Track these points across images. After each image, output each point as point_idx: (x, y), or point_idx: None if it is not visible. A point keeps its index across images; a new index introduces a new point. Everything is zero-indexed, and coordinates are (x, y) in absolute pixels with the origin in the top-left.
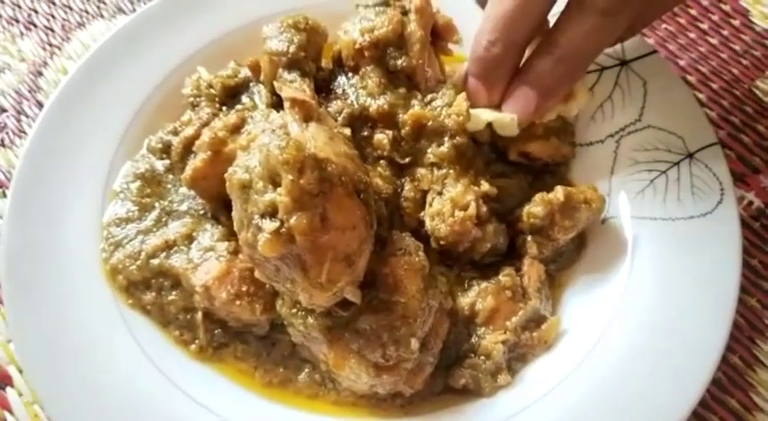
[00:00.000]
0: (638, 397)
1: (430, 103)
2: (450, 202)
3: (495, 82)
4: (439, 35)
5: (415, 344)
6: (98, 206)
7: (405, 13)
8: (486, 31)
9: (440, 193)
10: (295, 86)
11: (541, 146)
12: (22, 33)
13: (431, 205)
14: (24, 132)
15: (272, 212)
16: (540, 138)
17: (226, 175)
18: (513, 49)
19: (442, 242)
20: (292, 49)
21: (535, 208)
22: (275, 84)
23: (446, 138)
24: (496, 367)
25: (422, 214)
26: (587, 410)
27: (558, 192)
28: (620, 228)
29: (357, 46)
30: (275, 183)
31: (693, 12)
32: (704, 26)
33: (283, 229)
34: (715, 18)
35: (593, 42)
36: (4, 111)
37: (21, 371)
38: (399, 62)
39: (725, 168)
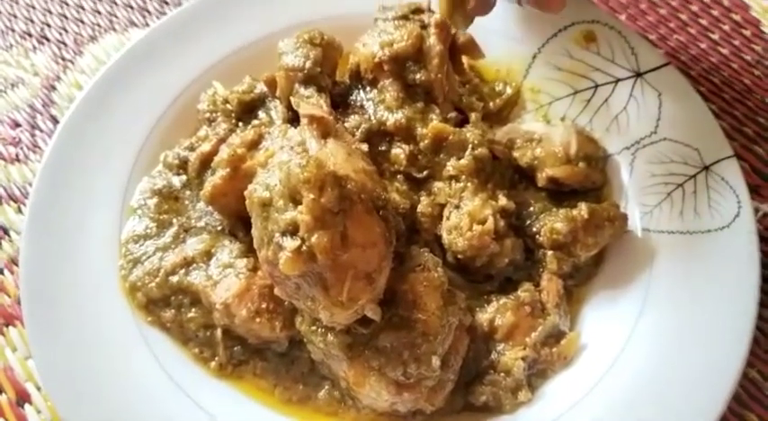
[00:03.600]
0: (658, 413)
1: (449, 120)
2: (467, 216)
3: None
4: (457, 51)
5: (436, 361)
6: (116, 223)
7: (424, 27)
8: None
9: (457, 207)
10: (312, 102)
11: (569, 171)
12: (34, 47)
13: (448, 219)
14: (38, 147)
15: (292, 230)
16: (567, 164)
17: (246, 193)
18: None
19: (459, 256)
20: (308, 64)
21: (558, 224)
22: (292, 100)
23: (467, 152)
24: (516, 384)
25: (438, 228)
26: None
27: (583, 210)
28: (637, 243)
29: (376, 59)
30: (296, 202)
31: (704, 22)
32: (715, 37)
33: (304, 248)
34: (726, 28)
35: None
36: (18, 125)
37: (39, 389)
38: (418, 76)
39: (741, 181)
